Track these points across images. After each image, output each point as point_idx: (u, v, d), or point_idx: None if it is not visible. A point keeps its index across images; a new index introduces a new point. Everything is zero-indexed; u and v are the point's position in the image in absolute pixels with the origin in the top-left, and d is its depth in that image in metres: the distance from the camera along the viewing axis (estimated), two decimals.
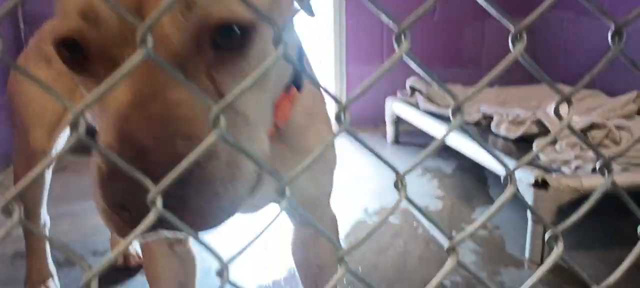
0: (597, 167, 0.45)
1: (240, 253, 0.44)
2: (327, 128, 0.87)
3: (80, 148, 0.41)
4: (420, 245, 1.87)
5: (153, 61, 0.35)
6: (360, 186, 2.51)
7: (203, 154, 0.41)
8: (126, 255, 1.66)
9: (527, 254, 1.71)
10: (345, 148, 3.16)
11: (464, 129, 0.43)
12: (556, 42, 3.19)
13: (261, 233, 0.42)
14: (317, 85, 0.43)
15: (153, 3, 0.45)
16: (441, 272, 0.45)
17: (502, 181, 0.46)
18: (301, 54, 0.76)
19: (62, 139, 1.33)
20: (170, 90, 0.46)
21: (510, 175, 0.46)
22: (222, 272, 0.41)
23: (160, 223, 0.41)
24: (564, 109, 0.42)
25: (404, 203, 1.82)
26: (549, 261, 0.48)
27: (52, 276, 1.52)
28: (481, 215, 2.03)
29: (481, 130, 2.41)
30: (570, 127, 0.43)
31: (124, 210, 0.45)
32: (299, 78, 0.71)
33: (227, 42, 0.50)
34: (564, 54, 3.16)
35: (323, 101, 0.89)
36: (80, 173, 2.50)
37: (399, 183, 0.44)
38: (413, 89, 2.95)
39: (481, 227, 1.95)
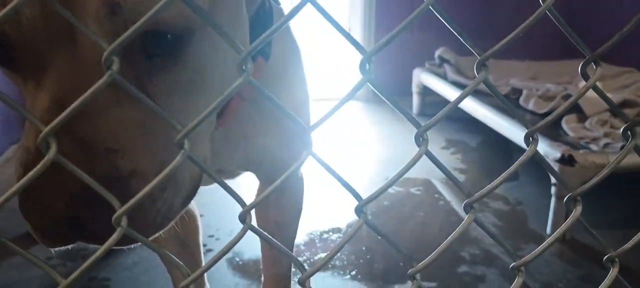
0: (621, 131, 0.44)
1: (259, 201, 0.46)
2: (298, 91, 0.85)
3: None
4: (441, 216, 1.87)
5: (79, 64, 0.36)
6: (382, 154, 2.51)
7: (129, 172, 0.42)
8: None
9: (548, 230, 1.70)
10: (369, 115, 3.16)
11: (488, 83, 0.43)
12: (593, 15, 3.09)
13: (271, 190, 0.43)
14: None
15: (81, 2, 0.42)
16: (460, 227, 0.46)
17: (523, 140, 0.46)
18: (266, 18, 0.71)
19: None
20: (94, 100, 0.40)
21: (531, 135, 0.46)
22: (244, 217, 0.43)
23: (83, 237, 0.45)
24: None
25: (426, 173, 1.82)
26: (568, 222, 0.48)
27: None
28: (504, 191, 2.03)
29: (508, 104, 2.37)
30: (595, 88, 0.43)
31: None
32: (266, 47, 0.70)
33: (158, 49, 0.46)
34: (598, 27, 3.06)
35: (295, 64, 0.86)
36: None
37: (420, 138, 0.44)
38: (442, 60, 2.91)
39: (503, 202, 1.94)
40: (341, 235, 1.72)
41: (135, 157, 0.45)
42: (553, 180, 1.65)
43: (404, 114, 0.46)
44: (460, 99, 0.44)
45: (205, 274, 1.04)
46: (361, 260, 1.56)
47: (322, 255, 1.60)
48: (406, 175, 2.17)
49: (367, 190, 2.08)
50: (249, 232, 0.43)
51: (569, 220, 0.47)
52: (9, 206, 0.38)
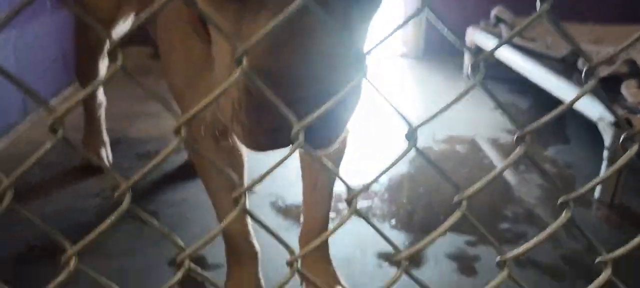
0: None
1: (311, 121, 0.47)
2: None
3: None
4: (486, 174, 1.84)
5: None
6: (428, 112, 2.48)
7: (335, 79, 0.48)
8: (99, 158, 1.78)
9: (596, 195, 1.66)
10: (417, 73, 3.12)
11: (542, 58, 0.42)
12: None
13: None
14: None
15: None
16: (512, 156, 0.46)
17: (583, 75, 0.45)
18: None
19: (115, 32, 1.58)
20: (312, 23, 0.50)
21: (590, 72, 0.45)
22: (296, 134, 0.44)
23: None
24: None
25: (471, 132, 1.78)
26: (620, 162, 0.47)
27: (105, 145, 1.81)
28: (554, 153, 1.98)
29: (566, 66, 2.29)
30: None
31: (276, 131, 0.53)
32: None
33: None
34: None
35: None
36: (160, 78, 2.63)
37: (476, 66, 0.44)
38: (498, 19, 2.81)
39: (552, 164, 1.90)
40: (384, 184, 1.73)
41: (338, 70, 0.53)
42: (606, 143, 1.59)
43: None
44: (512, 35, 0.43)
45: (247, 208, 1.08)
46: (401, 211, 1.57)
47: (362, 202, 1.62)
48: (452, 133, 2.15)
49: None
50: (293, 178, 0.45)
51: (622, 160, 0.46)
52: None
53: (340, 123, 0.58)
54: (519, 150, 0.46)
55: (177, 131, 0.41)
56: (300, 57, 0.50)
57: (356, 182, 1.73)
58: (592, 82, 0.44)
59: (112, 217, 0.41)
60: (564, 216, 0.47)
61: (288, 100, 0.43)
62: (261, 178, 0.45)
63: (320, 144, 0.56)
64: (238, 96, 0.54)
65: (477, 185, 0.47)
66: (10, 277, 1.24)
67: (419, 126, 0.46)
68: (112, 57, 0.40)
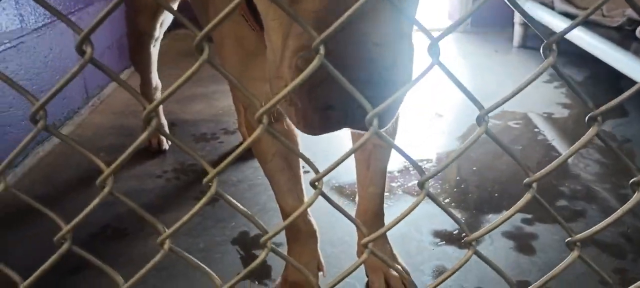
0: None
1: (377, 112, 0.48)
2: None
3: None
4: (540, 151, 1.82)
5: None
6: (476, 86, 2.44)
7: (392, 60, 0.48)
8: (160, 141, 1.84)
9: None
10: (464, 46, 3.06)
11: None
12: None
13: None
14: None
15: None
16: (585, 137, 0.46)
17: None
18: None
19: (164, 22, 1.72)
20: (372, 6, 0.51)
21: None
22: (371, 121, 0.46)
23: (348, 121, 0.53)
24: None
25: (525, 107, 1.74)
26: None
27: (163, 128, 1.86)
28: (611, 127, 1.92)
29: (623, 35, 2.19)
30: None
31: (331, 109, 0.53)
32: None
33: None
34: None
35: None
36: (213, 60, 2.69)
37: (482, 120, 0.44)
38: None
39: (609, 138, 1.85)
40: (434, 163, 1.73)
41: (394, 50, 0.54)
42: None
43: (466, 93, 0.47)
44: (524, 85, 0.43)
45: (303, 188, 1.12)
46: (455, 190, 1.57)
47: (415, 182, 1.63)
48: (505, 108, 2.11)
49: (458, 120, 2.05)
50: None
51: None
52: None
53: (398, 104, 0.58)
54: (592, 131, 0.47)
55: (259, 120, 0.44)
56: (360, 40, 0.52)
57: (404, 160, 1.74)
58: None
59: (203, 200, 0.45)
60: (636, 197, 0.47)
61: (352, 83, 0.45)
62: (336, 164, 0.48)
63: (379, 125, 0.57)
64: (291, 79, 0.56)
65: (547, 168, 0.47)
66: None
67: (489, 110, 0.47)
68: (198, 50, 0.42)
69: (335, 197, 1.54)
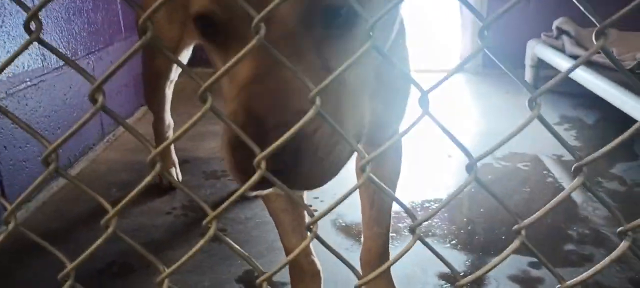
0: None
1: (372, 158, 0.51)
2: (406, 66, 0.93)
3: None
4: (548, 193, 1.81)
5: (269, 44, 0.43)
6: (488, 126, 2.45)
7: (309, 125, 0.48)
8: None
9: None
10: (475, 88, 3.08)
11: (606, 51, 0.44)
12: None
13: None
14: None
15: None
16: (569, 188, 0.48)
17: None
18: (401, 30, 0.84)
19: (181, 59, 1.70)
20: (284, 68, 0.50)
21: None
22: (364, 167, 0.48)
23: (267, 183, 0.50)
24: None
25: (535, 149, 1.75)
26: None
27: (175, 165, 1.94)
28: (621, 171, 1.91)
29: (635, 79, 2.20)
30: None
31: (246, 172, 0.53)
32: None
33: (335, 22, 0.56)
34: None
35: (402, 41, 0.92)
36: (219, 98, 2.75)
37: (534, 103, 0.46)
38: (560, 31, 2.74)
39: (619, 182, 1.84)
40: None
41: (315, 120, 0.54)
42: None
43: (519, 79, 0.48)
44: (577, 64, 0.45)
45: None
46: (462, 231, 1.57)
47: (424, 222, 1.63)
48: (514, 150, 2.13)
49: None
50: (352, 197, 0.49)
51: None
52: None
53: (323, 163, 0.56)
54: (576, 182, 0.48)
55: (257, 165, 0.46)
56: (281, 105, 0.53)
57: (411, 199, 1.74)
58: (601, 41, 0.45)
59: (201, 243, 0.47)
60: (622, 246, 0.48)
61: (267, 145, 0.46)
62: (332, 207, 0.50)
63: (301, 183, 0.55)
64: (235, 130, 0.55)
65: (536, 215, 0.49)
66: None
67: (478, 159, 0.48)
68: (202, 100, 0.46)
69: (341, 237, 1.54)
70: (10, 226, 0.49)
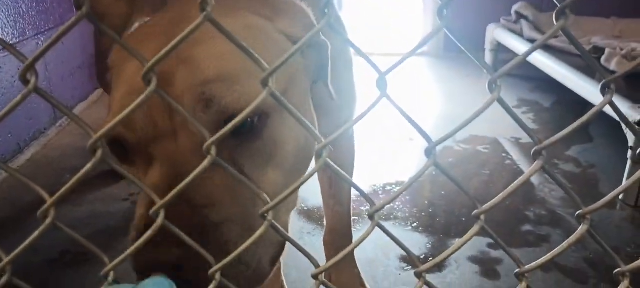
0: None
1: (331, 141, 0.48)
2: (351, 74, 0.96)
3: None
4: (507, 176, 1.85)
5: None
6: (448, 110, 2.48)
7: (220, 220, 0.52)
8: None
9: (621, 196, 1.64)
10: (435, 72, 3.11)
11: (567, 32, 0.43)
12: None
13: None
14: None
15: (180, 102, 0.54)
16: (527, 173, 0.47)
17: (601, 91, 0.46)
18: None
19: None
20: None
21: (608, 85, 0.46)
22: (320, 153, 0.46)
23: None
24: None
25: (494, 132, 1.78)
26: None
27: None
28: (576, 153, 1.96)
29: (594, 60, 2.25)
30: None
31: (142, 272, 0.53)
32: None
33: (242, 127, 0.57)
34: None
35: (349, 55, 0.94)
36: None
37: (493, 85, 0.45)
38: (519, 15, 2.79)
39: (575, 164, 1.88)
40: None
41: (224, 210, 0.55)
42: (630, 143, 1.58)
43: (479, 61, 0.47)
44: (536, 45, 0.44)
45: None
46: (423, 213, 1.58)
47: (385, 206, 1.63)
48: (474, 133, 2.15)
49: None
50: (313, 180, 0.47)
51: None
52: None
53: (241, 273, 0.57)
54: (536, 166, 0.47)
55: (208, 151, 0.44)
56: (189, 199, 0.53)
57: (373, 183, 1.74)
58: (608, 97, 0.45)
59: (148, 233, 0.44)
60: (581, 230, 0.48)
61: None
62: (286, 196, 0.47)
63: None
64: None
65: (495, 201, 0.48)
66: (43, 281, 1.29)
67: (438, 143, 0.47)
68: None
69: (304, 221, 1.53)
70: None
